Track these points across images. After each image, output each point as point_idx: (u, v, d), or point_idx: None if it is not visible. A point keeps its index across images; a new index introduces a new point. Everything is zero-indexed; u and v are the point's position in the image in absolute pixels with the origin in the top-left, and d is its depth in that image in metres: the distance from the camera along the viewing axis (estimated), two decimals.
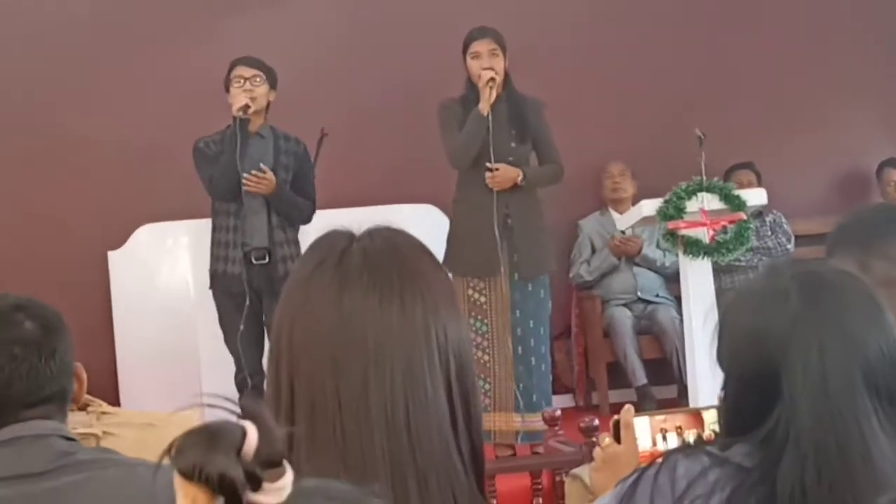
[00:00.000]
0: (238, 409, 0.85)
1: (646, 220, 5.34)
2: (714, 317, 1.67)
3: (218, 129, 5.16)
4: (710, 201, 5.09)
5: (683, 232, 5.05)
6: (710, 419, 2.03)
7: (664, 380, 6.44)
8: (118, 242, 6.27)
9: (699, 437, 2.01)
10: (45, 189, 6.35)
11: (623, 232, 6.51)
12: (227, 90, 5.11)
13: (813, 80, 7.26)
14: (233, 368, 5.05)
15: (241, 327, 4.93)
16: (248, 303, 4.94)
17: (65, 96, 6.39)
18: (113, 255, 6.27)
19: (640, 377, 6.30)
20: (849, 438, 1.47)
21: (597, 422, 4.10)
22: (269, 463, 0.83)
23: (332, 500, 0.91)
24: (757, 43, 7.17)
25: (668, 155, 6.47)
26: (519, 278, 5.04)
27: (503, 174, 5.00)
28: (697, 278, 5.08)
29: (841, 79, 7.29)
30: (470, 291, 5.04)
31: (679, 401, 6.03)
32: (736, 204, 5.10)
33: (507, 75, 5.07)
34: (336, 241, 1.30)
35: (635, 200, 6.14)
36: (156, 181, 6.32)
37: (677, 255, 5.28)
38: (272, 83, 5.13)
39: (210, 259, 5.13)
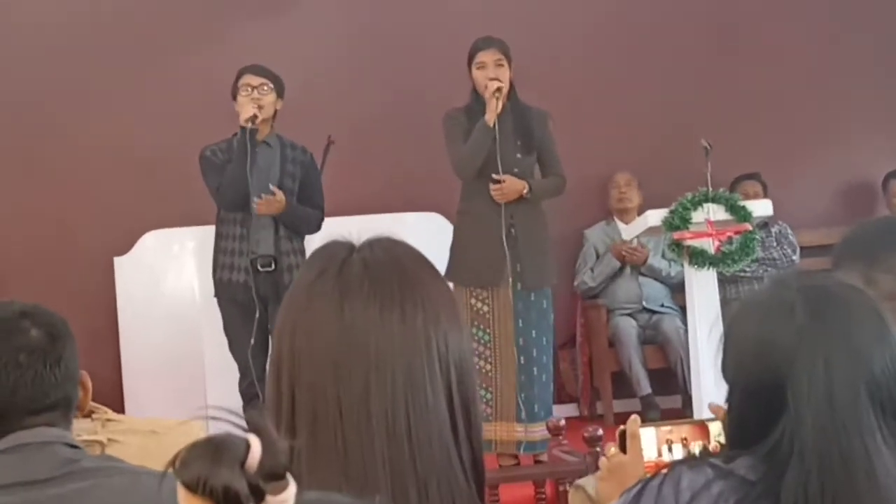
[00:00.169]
0: (241, 422, 0.85)
1: (651, 231, 5.33)
2: (719, 328, 1.67)
3: (224, 136, 5.17)
4: (716, 212, 5.09)
5: (689, 242, 5.04)
6: (716, 431, 2.03)
7: (668, 390, 6.44)
8: (124, 248, 6.29)
9: (704, 449, 2.01)
10: (52, 195, 6.37)
11: (630, 241, 6.50)
12: (234, 98, 5.12)
13: (819, 92, 7.25)
14: (238, 375, 5.05)
15: (252, 341, 4.92)
16: (257, 315, 4.94)
17: (71, 103, 6.41)
18: (119, 261, 6.28)
19: (645, 387, 6.30)
20: (853, 452, 1.47)
21: (601, 431, 4.09)
22: (272, 476, 0.83)
23: None
24: (763, 54, 7.17)
25: (673, 165, 6.48)
26: (522, 288, 5.04)
27: (509, 186, 5.00)
28: (703, 288, 5.07)
29: (847, 90, 7.29)
30: (473, 301, 5.04)
31: (683, 411, 6.03)
32: (741, 215, 5.09)
33: (511, 86, 5.08)
34: (336, 252, 1.31)
35: (641, 210, 6.14)
36: (162, 187, 6.34)
37: (683, 265, 5.28)
38: (279, 92, 5.14)
39: (214, 267, 5.14)
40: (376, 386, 1.22)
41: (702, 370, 4.94)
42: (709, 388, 4.77)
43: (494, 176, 5.00)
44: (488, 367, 5.03)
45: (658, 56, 7.05)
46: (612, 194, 6.79)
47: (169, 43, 6.54)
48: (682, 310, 5.82)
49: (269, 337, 5.01)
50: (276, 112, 5.16)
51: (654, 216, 5.17)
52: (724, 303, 5.24)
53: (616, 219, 6.77)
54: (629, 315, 6.54)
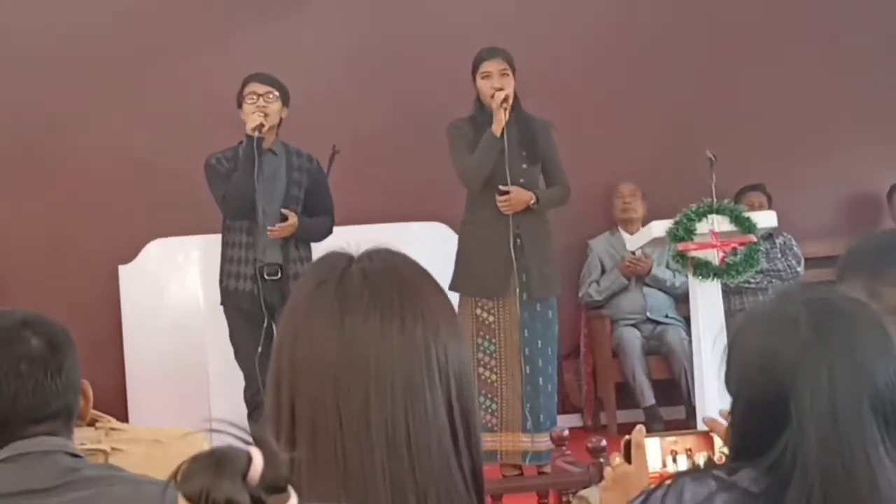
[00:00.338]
0: (243, 435, 0.86)
1: (656, 241, 5.34)
2: (723, 339, 1.67)
3: (230, 144, 5.18)
4: (721, 223, 5.09)
5: (693, 253, 5.04)
6: (721, 442, 2.03)
7: (672, 401, 6.43)
8: (129, 257, 6.29)
9: (709, 460, 2.00)
10: (56, 203, 6.38)
11: (634, 252, 6.50)
12: (240, 106, 5.12)
13: (824, 103, 7.25)
14: (242, 384, 5.05)
15: (259, 350, 4.92)
16: (265, 323, 4.94)
17: (75, 110, 6.42)
18: (123, 270, 6.29)
19: (649, 398, 6.30)
20: (856, 466, 1.46)
21: (604, 442, 4.08)
22: (273, 488, 0.83)
23: None
24: (768, 66, 7.17)
25: (678, 176, 6.48)
26: (528, 298, 5.04)
27: (516, 197, 5.01)
28: (707, 300, 5.07)
29: (852, 101, 7.29)
30: (478, 311, 5.04)
31: (687, 422, 6.02)
32: (746, 226, 5.09)
33: (515, 96, 5.08)
34: (335, 262, 1.31)
35: (645, 221, 6.14)
36: (167, 196, 6.34)
37: (687, 276, 5.28)
38: (285, 100, 5.15)
39: (221, 275, 5.14)
40: (376, 397, 1.22)
41: (706, 381, 4.94)
42: (713, 399, 4.77)
43: (501, 187, 5.00)
44: (493, 377, 5.03)
45: (660, 66, 7.05)
46: (617, 204, 6.79)
47: (174, 53, 6.55)
48: (687, 320, 5.81)
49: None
50: (281, 120, 5.17)
51: (659, 227, 5.18)
52: (729, 314, 5.25)
53: (620, 229, 6.77)
54: (633, 325, 6.54)
